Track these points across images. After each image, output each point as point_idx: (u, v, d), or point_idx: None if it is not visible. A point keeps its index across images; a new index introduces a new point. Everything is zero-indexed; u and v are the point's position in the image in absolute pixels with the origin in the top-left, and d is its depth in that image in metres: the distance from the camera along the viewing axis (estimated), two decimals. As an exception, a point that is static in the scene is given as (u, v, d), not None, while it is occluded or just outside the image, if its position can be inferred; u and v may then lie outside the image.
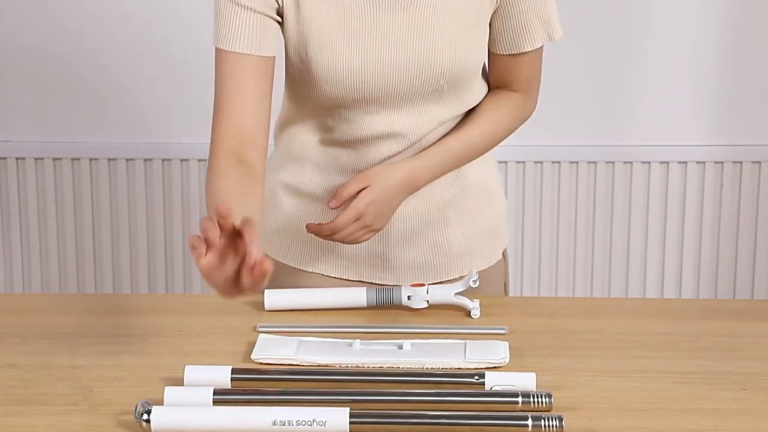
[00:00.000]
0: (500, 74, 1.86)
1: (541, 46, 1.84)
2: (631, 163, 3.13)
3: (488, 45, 1.84)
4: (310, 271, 1.89)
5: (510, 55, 1.82)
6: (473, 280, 1.73)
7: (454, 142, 1.82)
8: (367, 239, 1.79)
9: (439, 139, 1.81)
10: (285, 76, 1.83)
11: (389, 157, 1.80)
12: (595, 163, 3.13)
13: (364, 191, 1.75)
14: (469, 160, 1.86)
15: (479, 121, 1.84)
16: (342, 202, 1.76)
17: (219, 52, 1.75)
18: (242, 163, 1.68)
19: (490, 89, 1.88)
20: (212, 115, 1.73)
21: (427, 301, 1.76)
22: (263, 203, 1.71)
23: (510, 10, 1.78)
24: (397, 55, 1.73)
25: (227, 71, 1.73)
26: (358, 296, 1.77)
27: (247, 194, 1.64)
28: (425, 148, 1.81)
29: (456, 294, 1.75)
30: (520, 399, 1.43)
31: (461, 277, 1.90)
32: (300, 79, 1.78)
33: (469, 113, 1.85)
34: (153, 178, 3.14)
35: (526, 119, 1.91)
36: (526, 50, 1.81)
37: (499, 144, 1.89)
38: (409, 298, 1.75)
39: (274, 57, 1.74)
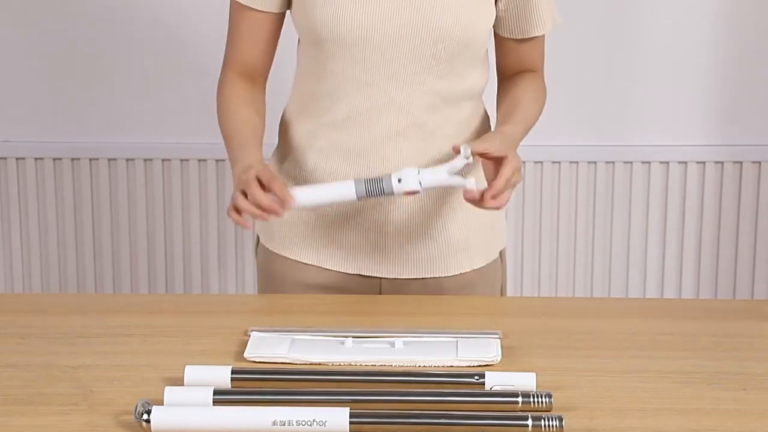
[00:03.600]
0: (510, 60, 1.91)
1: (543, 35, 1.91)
2: (631, 163, 3.13)
3: (496, 29, 1.87)
4: (309, 263, 1.89)
5: (518, 40, 1.88)
6: (466, 156, 1.70)
7: (521, 112, 1.87)
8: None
9: (507, 121, 1.85)
10: (297, 53, 1.90)
11: (391, 135, 1.81)
12: (595, 163, 3.13)
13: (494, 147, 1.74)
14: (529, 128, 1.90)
15: (527, 95, 1.90)
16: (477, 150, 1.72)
17: (234, 2, 1.86)
18: (249, 79, 1.89)
19: (504, 78, 1.94)
20: (225, 43, 1.91)
21: (420, 183, 1.70)
22: (265, 109, 1.91)
23: None
24: (398, 12, 1.77)
25: (239, 18, 1.87)
26: (347, 190, 1.72)
27: (253, 100, 1.89)
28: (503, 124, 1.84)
29: (450, 174, 1.71)
30: (520, 399, 1.43)
31: (459, 274, 1.90)
32: (306, 42, 1.83)
33: (507, 92, 1.91)
34: (153, 178, 3.14)
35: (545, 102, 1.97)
36: (536, 34, 1.87)
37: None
38: (399, 181, 1.70)
39: (284, 12, 1.87)
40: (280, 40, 1.90)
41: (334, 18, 1.77)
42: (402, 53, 1.78)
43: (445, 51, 1.78)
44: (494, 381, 1.47)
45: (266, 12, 1.85)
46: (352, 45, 1.77)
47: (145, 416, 1.37)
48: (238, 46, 1.88)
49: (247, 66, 1.88)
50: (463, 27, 1.78)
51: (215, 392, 1.43)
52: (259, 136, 1.85)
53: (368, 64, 1.78)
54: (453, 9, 1.77)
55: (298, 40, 1.88)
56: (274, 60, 1.91)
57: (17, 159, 3.14)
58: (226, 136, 1.86)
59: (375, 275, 1.89)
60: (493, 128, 1.92)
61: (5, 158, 3.14)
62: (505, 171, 1.71)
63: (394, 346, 1.61)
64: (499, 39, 1.91)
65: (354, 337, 1.64)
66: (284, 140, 1.92)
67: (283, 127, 1.93)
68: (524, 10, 1.85)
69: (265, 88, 1.93)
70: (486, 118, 1.94)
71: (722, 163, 3.13)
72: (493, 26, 1.88)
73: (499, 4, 1.85)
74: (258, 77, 1.90)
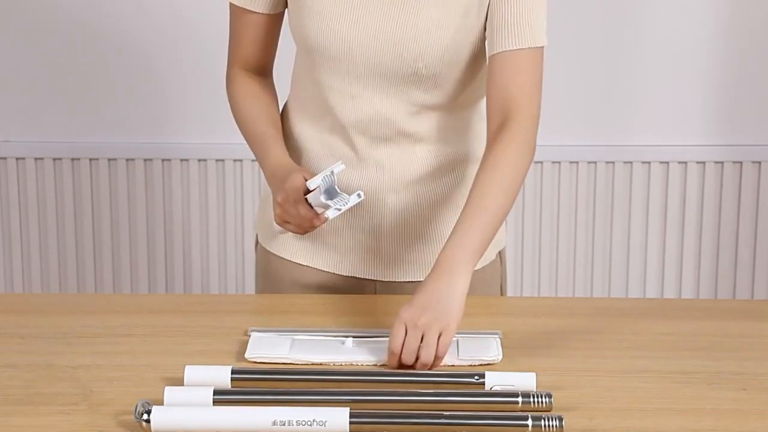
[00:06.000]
0: (492, 93, 1.78)
1: (538, 53, 1.78)
2: (631, 163, 3.13)
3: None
4: (304, 264, 1.89)
5: (497, 54, 1.77)
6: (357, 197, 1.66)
7: (479, 209, 1.70)
8: (444, 344, 1.58)
9: (457, 223, 1.70)
10: (294, 62, 1.90)
11: (380, 142, 1.81)
12: (595, 163, 3.13)
13: (401, 313, 1.60)
14: (495, 227, 1.73)
15: (490, 181, 1.73)
16: (398, 355, 1.57)
17: (231, 5, 1.87)
18: (255, 72, 1.91)
19: (488, 128, 1.80)
20: (227, 46, 1.91)
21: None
22: (276, 93, 1.93)
23: (499, 6, 1.76)
24: (381, 28, 1.76)
25: (237, 20, 1.88)
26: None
27: (262, 89, 1.90)
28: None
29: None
30: (520, 399, 1.43)
31: None
32: (300, 51, 1.84)
33: (479, 174, 1.74)
34: (153, 178, 3.14)
35: (533, 155, 1.79)
36: (507, 48, 1.76)
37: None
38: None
39: (282, 12, 1.88)
40: (281, 36, 1.90)
41: (319, 30, 1.77)
42: (384, 68, 1.77)
43: (426, 69, 1.77)
44: (494, 381, 1.47)
45: (263, 13, 1.85)
46: (336, 58, 1.78)
47: (145, 416, 1.37)
48: (240, 46, 1.89)
49: (250, 63, 1.90)
50: (443, 48, 1.76)
51: (215, 392, 1.43)
52: (277, 124, 1.87)
53: (352, 77, 1.78)
54: (433, 29, 1.75)
55: None
56: (279, 56, 1.91)
57: (17, 159, 3.14)
58: (245, 132, 1.88)
59: (370, 278, 1.89)
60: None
61: (5, 158, 3.14)
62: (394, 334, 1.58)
63: None
64: (487, 61, 1.80)
65: (354, 337, 1.64)
66: (283, 136, 1.92)
67: (283, 122, 1.93)
68: (498, 24, 1.76)
69: (272, 76, 1.94)
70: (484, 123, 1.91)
71: (722, 163, 3.13)
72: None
73: (486, 23, 1.78)
74: (263, 70, 1.92)
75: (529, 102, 1.77)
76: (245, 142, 1.89)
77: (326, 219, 1.67)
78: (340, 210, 1.65)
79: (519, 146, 1.75)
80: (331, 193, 1.66)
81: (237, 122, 1.90)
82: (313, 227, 1.71)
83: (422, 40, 1.76)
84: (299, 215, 1.69)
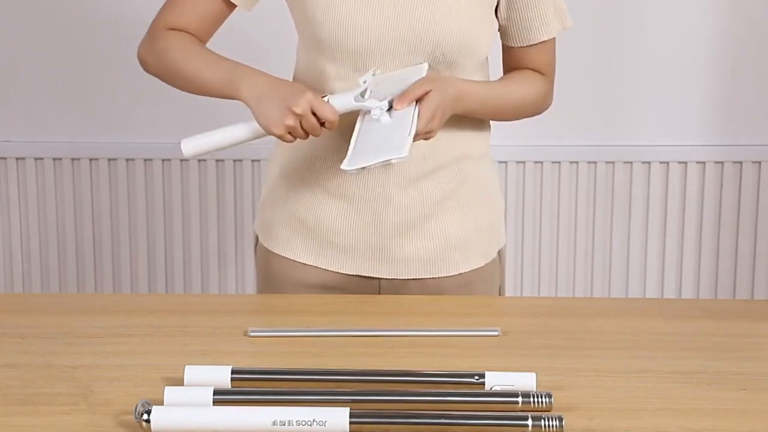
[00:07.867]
0: (516, 67, 1.90)
1: (554, 37, 1.89)
2: (631, 163, 3.13)
3: (501, 38, 1.86)
4: (308, 264, 1.89)
5: (526, 46, 1.87)
6: (363, 80, 1.70)
7: (495, 83, 1.86)
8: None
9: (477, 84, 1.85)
10: (296, 54, 1.89)
11: None
12: (595, 163, 3.13)
13: (430, 94, 1.72)
14: (502, 113, 1.88)
15: (515, 77, 1.89)
16: (407, 103, 1.71)
17: None
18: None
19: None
20: (160, 9, 1.87)
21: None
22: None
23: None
24: (399, 19, 1.76)
25: None
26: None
27: (196, 41, 1.86)
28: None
29: (357, 99, 1.72)
30: (520, 399, 1.43)
31: (458, 274, 1.89)
32: (307, 44, 1.82)
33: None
34: (153, 178, 3.14)
35: (547, 107, 1.96)
36: (541, 40, 1.86)
37: (523, 117, 1.93)
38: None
39: (232, 9, 1.85)
40: (280, 39, 1.89)
41: (335, 25, 1.76)
42: (402, 61, 1.77)
43: (444, 57, 1.78)
44: (494, 381, 1.47)
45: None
46: (353, 52, 1.77)
47: (145, 416, 1.37)
48: (179, 15, 1.86)
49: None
50: (462, 33, 1.77)
51: (215, 392, 1.43)
52: None
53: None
54: (452, 17, 1.76)
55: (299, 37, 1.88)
56: (275, 59, 1.90)
57: (17, 159, 3.15)
58: (197, 64, 1.83)
59: (374, 276, 1.89)
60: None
61: (5, 158, 3.14)
62: (423, 110, 1.71)
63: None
64: (505, 47, 1.90)
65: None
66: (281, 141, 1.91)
67: None
68: (528, 18, 1.84)
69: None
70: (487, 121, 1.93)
71: (722, 163, 3.13)
72: (499, 35, 1.88)
73: (500, 14, 1.84)
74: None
75: (552, 79, 1.94)
76: (183, 82, 1.90)
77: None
78: (383, 109, 1.69)
79: (543, 87, 1.92)
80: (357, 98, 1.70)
81: (173, 62, 1.88)
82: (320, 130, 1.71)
83: (439, 29, 1.76)
84: (318, 124, 1.70)
